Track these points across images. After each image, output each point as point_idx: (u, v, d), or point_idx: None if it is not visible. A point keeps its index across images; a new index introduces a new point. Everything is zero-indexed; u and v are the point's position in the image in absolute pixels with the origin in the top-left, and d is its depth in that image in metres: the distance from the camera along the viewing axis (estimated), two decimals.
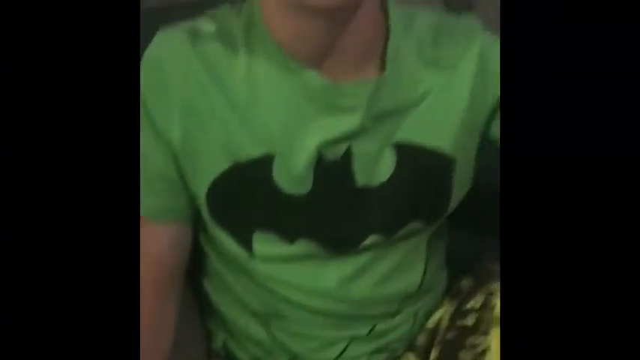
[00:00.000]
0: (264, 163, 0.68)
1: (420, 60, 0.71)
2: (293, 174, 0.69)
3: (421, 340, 0.84)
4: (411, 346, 0.84)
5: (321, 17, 0.63)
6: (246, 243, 0.72)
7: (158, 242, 0.73)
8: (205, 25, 0.69)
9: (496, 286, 0.77)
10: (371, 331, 0.79)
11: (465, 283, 0.87)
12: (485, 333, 0.73)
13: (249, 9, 0.69)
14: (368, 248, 0.73)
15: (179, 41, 0.68)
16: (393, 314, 0.80)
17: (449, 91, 0.71)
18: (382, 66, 0.69)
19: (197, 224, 0.76)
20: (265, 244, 0.72)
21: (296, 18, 0.64)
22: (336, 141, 0.68)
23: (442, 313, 0.84)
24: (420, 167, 0.72)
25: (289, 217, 0.71)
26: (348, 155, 0.69)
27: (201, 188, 0.70)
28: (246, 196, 0.70)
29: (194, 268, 0.81)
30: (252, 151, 0.68)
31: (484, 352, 0.73)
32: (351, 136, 0.68)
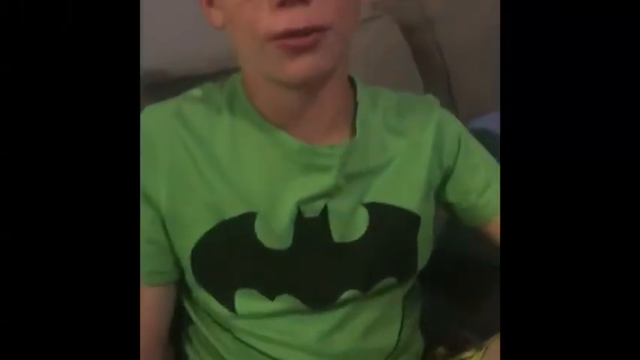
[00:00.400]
0: (247, 220, 0.71)
1: (386, 129, 0.77)
2: (274, 230, 0.71)
3: None
4: None
5: (293, 89, 0.68)
6: (229, 302, 0.73)
7: (145, 306, 0.72)
8: (190, 95, 0.75)
9: (469, 354, 0.79)
10: None
11: (441, 350, 0.89)
12: None
13: (232, 81, 0.75)
14: (345, 303, 0.75)
15: (165, 111, 0.72)
16: None
17: (412, 156, 0.77)
18: (353, 133, 0.74)
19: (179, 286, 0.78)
20: (247, 300, 0.73)
21: (271, 89, 0.69)
22: (314, 198, 0.72)
23: None
24: (391, 225, 0.76)
25: (270, 273, 0.73)
26: (325, 213, 0.72)
27: (185, 249, 0.72)
28: (229, 254, 0.72)
29: (175, 330, 0.80)
30: (235, 209, 0.71)
31: None
32: (327, 194, 0.72)
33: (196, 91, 0.75)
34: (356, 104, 0.75)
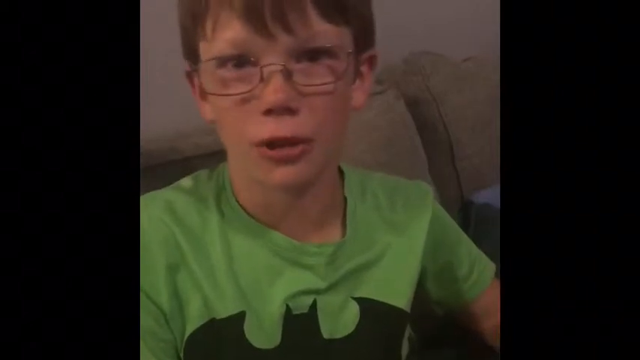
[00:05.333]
0: (237, 320, 0.69)
1: (378, 221, 0.76)
2: (263, 328, 0.70)
3: None
4: None
5: (280, 191, 0.69)
6: None
7: None
8: (182, 186, 0.74)
9: None
10: None
11: None
12: None
13: (220, 172, 0.74)
14: None
15: (158, 205, 0.71)
16: None
17: (405, 253, 0.77)
18: (344, 229, 0.74)
19: None
20: None
21: (257, 188, 0.70)
22: (302, 295, 0.71)
23: None
24: (381, 322, 0.74)
25: None
26: (314, 308, 0.71)
27: (179, 347, 0.70)
28: (218, 353, 0.70)
29: None
30: (225, 309, 0.69)
31: None
32: (315, 292, 0.71)
33: (187, 182, 0.74)
34: (345, 198, 0.75)
